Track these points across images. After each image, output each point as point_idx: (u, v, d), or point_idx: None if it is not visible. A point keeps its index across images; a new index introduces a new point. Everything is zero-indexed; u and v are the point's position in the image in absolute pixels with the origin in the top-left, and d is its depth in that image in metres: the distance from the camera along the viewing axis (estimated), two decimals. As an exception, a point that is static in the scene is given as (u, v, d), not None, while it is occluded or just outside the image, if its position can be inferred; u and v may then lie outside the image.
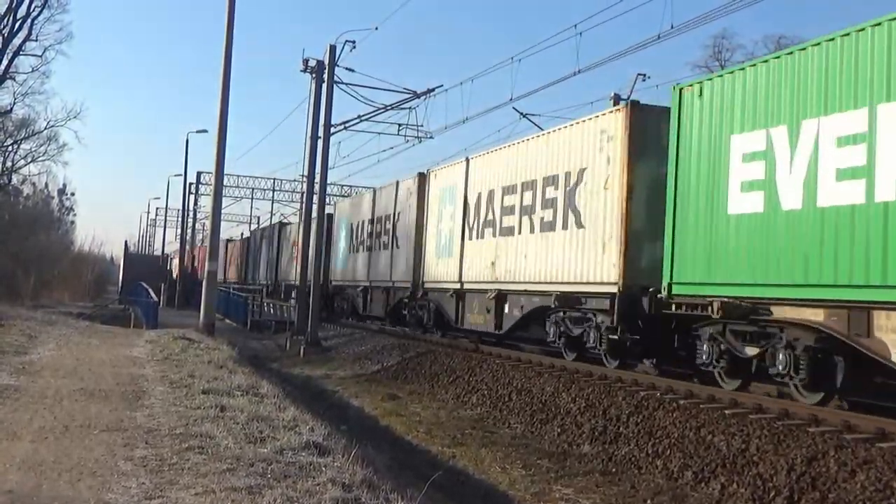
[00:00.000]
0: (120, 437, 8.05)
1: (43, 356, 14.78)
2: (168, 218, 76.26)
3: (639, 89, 29.99)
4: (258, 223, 70.04)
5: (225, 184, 33.49)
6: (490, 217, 20.00)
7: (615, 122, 15.12)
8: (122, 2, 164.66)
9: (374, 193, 29.42)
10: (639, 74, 29.75)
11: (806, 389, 11.39)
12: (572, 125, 16.89)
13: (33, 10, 44.79)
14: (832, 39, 10.77)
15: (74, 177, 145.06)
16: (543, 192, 17.48)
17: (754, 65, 12.13)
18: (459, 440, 12.87)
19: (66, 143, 70.53)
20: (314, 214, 28.63)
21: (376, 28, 35.38)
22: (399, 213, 26.54)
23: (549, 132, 17.88)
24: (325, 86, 27.01)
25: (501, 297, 19.38)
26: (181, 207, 61.66)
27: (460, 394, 16.52)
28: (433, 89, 27.43)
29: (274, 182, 59.58)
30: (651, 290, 13.92)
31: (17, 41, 45.00)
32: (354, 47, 26.61)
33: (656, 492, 9.89)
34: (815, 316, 10.89)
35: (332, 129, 27.79)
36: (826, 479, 8.96)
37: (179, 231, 64.76)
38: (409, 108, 28.63)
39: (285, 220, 48.81)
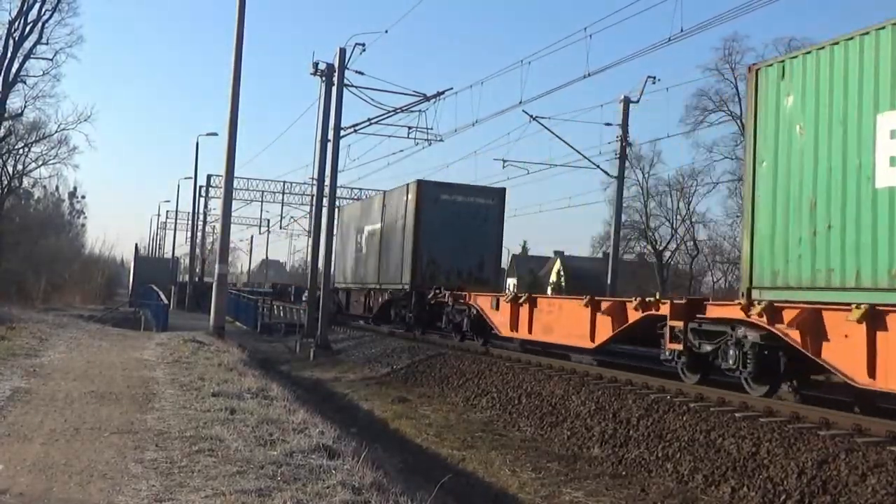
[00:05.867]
0: (130, 440, 8.07)
1: (53, 359, 14.83)
2: (178, 221, 76.40)
3: (649, 92, 30.05)
4: (268, 226, 70.22)
5: (235, 187, 33.59)
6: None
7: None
8: (133, 6, 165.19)
9: None
10: (649, 77, 29.87)
11: None
12: None
13: (44, 14, 45.18)
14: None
15: (85, 180, 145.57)
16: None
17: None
18: (469, 443, 12.86)
19: (77, 147, 71.03)
20: (324, 217, 28.66)
21: (386, 31, 35.35)
22: None
23: None
24: (334, 89, 27.06)
25: None
26: (191, 210, 61.87)
27: (470, 397, 16.51)
28: (443, 92, 27.47)
29: (284, 185, 59.64)
30: None
31: (27, 44, 45.43)
32: (364, 50, 26.66)
33: (666, 495, 9.87)
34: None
35: (342, 132, 27.84)
36: (837, 482, 8.92)
37: (190, 234, 64.91)
38: (419, 110, 28.65)
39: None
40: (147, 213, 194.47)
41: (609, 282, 31.69)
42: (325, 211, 28.59)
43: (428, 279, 25.08)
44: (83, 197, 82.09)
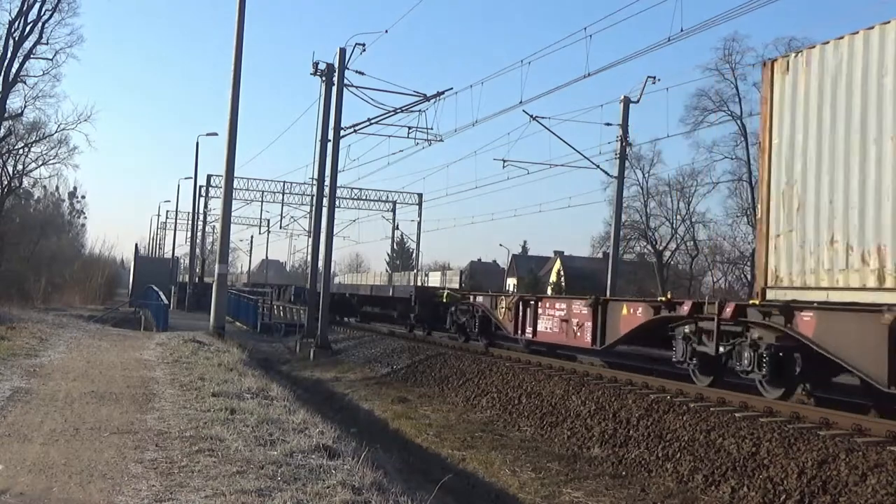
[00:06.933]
0: (130, 440, 8.07)
1: (54, 359, 14.82)
2: (178, 221, 76.37)
3: (649, 92, 29.99)
4: (268, 226, 70.14)
5: (235, 187, 33.60)
6: None
7: None
8: (133, 6, 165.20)
9: None
10: (649, 77, 29.74)
11: None
12: None
13: (44, 14, 45.13)
14: None
15: (85, 180, 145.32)
16: None
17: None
18: (469, 443, 12.86)
19: (77, 147, 70.97)
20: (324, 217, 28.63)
21: (386, 31, 35.31)
22: None
23: None
24: (334, 89, 27.07)
25: None
26: (191, 210, 61.85)
27: (470, 397, 16.51)
28: (443, 92, 27.42)
29: (284, 185, 59.56)
30: None
31: (28, 44, 45.35)
32: (364, 50, 26.67)
33: (666, 495, 9.87)
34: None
35: (342, 132, 27.85)
36: (837, 482, 8.92)
37: (190, 234, 64.89)
38: (419, 110, 28.58)
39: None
40: (147, 213, 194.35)
41: (609, 282, 31.69)
42: (325, 211, 28.58)
43: None
44: (83, 197, 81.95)
